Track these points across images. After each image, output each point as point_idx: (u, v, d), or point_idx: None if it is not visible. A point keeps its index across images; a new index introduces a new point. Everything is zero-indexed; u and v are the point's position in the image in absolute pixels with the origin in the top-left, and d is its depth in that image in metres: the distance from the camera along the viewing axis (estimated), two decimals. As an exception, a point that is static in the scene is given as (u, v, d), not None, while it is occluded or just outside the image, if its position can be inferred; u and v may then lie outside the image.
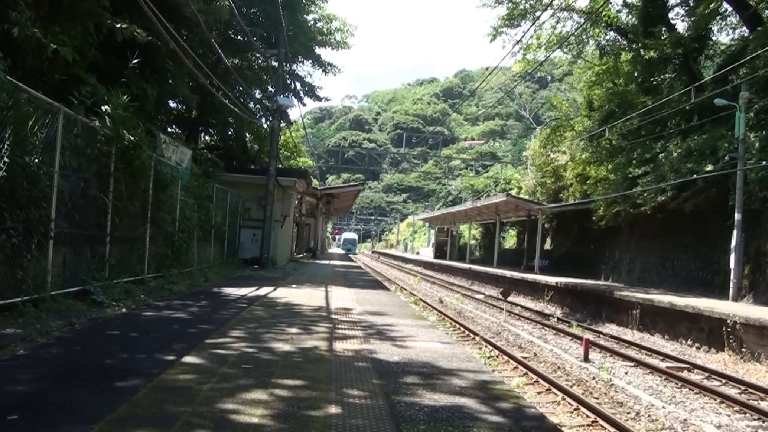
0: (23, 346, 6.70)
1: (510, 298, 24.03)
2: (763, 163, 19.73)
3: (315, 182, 44.59)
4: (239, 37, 26.71)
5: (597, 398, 11.04)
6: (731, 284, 20.41)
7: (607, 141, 30.74)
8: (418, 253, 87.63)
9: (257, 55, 28.82)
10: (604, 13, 30.61)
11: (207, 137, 32.43)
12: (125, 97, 12.61)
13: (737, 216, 20.31)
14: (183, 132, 26.46)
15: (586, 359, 14.55)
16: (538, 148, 45.10)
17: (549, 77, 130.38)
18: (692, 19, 28.03)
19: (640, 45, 28.73)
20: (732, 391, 12.18)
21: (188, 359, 6.54)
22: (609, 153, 30.95)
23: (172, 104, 24.52)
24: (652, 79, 29.51)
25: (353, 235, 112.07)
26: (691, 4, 28.78)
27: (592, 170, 32.30)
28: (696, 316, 17.23)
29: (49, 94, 9.56)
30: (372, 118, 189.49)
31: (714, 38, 30.11)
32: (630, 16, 32.18)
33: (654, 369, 13.89)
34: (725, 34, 32.34)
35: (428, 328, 10.50)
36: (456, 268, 47.76)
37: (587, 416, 9.58)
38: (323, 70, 33.27)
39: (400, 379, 6.16)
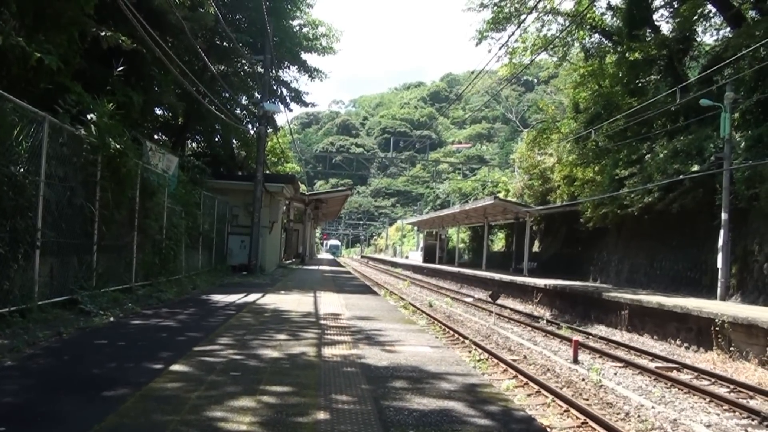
0: (10, 357, 6.66)
1: (499, 301, 24.06)
2: (749, 162, 19.85)
3: (303, 188, 44.56)
4: (225, 43, 26.67)
5: (587, 399, 11.05)
6: (719, 284, 20.52)
7: (593, 143, 30.84)
8: (407, 257, 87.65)
9: (243, 61, 28.78)
10: (588, 15, 30.77)
11: (194, 144, 32.29)
12: (111, 105, 12.57)
13: (724, 215, 20.43)
14: (169, 139, 26.38)
15: (575, 361, 14.57)
16: (525, 151, 45.26)
17: (535, 80, 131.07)
18: (677, 20, 28.20)
19: (625, 47, 28.88)
20: (721, 390, 12.22)
21: (176, 367, 6.52)
22: (595, 155, 31.07)
23: (158, 111, 24.42)
24: (637, 80, 29.65)
25: (337, 242, 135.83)
26: (676, 6, 28.97)
27: (579, 172, 32.44)
28: (684, 316, 17.30)
29: (34, 103, 9.53)
30: (359, 123, 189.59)
31: (699, 39, 30.32)
32: (615, 19, 32.32)
33: (643, 369, 13.92)
34: (709, 35, 32.63)
35: (417, 332, 10.51)
36: (445, 272, 47.80)
37: (577, 417, 9.60)
38: (309, 76, 33.25)
39: (389, 384, 6.17)
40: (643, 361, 15.13)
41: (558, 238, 40.13)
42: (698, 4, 26.22)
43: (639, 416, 10.03)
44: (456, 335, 17.71)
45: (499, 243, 56.92)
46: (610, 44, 32.74)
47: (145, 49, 14.89)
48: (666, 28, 30.73)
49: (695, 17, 27.04)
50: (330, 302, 14.80)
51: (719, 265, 20.56)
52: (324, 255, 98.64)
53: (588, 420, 9.36)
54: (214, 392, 5.50)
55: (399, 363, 7.33)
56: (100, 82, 14.46)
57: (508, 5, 32.04)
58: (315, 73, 33.14)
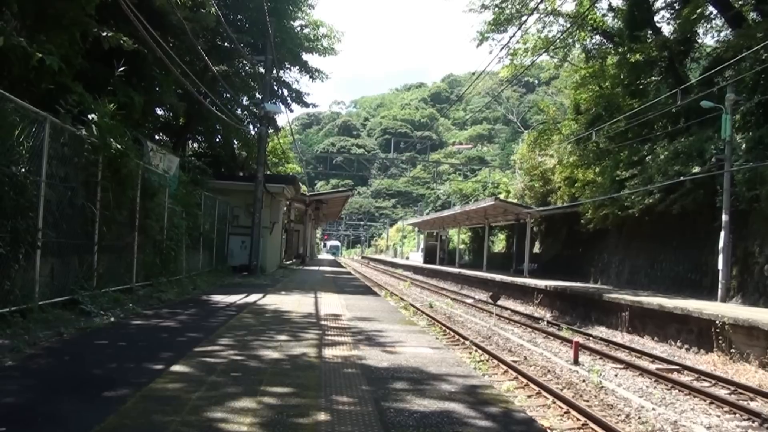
0: (11, 357, 6.66)
1: (500, 302, 24.05)
2: (750, 164, 19.85)
3: (303, 188, 44.51)
4: (226, 44, 26.66)
5: (587, 401, 11.04)
6: (719, 285, 20.50)
7: (594, 144, 30.84)
8: (407, 258, 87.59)
9: (244, 61, 28.79)
10: (590, 17, 30.77)
11: (195, 144, 32.29)
12: (112, 105, 12.59)
13: (725, 217, 20.43)
14: (170, 139, 26.35)
15: (576, 362, 14.56)
16: (525, 152, 45.27)
17: (536, 81, 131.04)
18: (678, 22, 28.18)
19: (626, 48, 28.86)
20: (722, 392, 12.23)
21: (177, 368, 6.52)
22: (596, 156, 31.06)
23: (159, 112, 24.43)
24: (638, 82, 29.61)
25: (337, 243, 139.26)
26: (677, 8, 28.97)
27: (580, 173, 32.42)
28: (685, 318, 17.29)
29: (36, 104, 9.53)
30: (360, 124, 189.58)
31: (699, 41, 30.31)
32: (616, 20, 32.34)
33: (644, 371, 13.92)
34: (710, 36, 32.62)
35: (418, 333, 10.51)
36: (445, 273, 47.78)
37: (577, 419, 9.59)
38: (310, 77, 33.27)
39: (390, 385, 6.16)
40: (644, 363, 15.12)
41: (559, 239, 40.08)
42: (699, 5, 26.20)
43: (639, 418, 10.03)
44: (456, 336, 17.70)
45: (499, 244, 56.85)
46: (611, 45, 32.71)
47: (147, 49, 14.88)
48: (667, 29, 30.78)
49: (695, 17, 27.01)
50: (330, 303, 14.79)
51: (720, 266, 20.55)
52: (325, 256, 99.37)
53: (588, 421, 9.36)
54: (214, 393, 5.50)
55: (399, 364, 7.33)
56: (102, 83, 14.46)
57: (510, 6, 32.05)
58: (316, 73, 33.17)
